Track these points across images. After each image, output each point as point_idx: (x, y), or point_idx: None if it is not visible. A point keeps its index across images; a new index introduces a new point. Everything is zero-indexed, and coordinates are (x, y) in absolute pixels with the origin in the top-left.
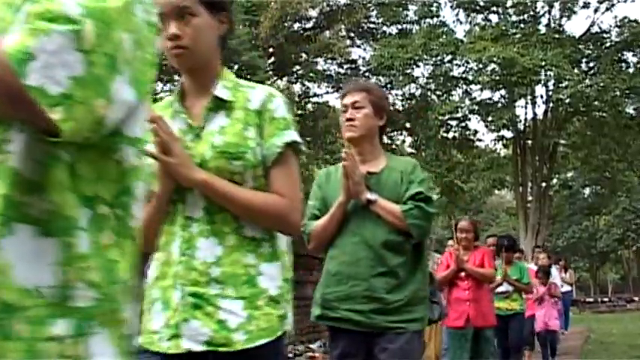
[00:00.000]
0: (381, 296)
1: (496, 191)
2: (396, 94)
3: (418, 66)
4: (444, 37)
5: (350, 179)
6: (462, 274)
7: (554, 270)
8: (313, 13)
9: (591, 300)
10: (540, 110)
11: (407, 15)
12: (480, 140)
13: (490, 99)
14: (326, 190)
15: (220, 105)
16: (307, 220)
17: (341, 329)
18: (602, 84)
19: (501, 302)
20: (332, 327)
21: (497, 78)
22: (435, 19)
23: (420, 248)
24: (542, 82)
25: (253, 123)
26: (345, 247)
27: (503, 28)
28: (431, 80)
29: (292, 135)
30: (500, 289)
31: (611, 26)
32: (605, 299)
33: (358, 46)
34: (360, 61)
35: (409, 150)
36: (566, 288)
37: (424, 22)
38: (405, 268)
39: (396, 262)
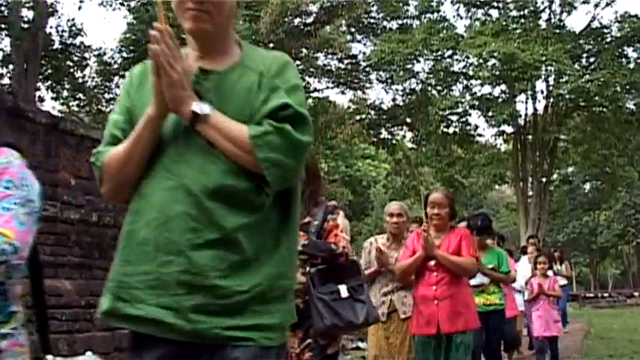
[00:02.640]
0: (211, 283)
1: (496, 186)
2: (397, 90)
3: (419, 61)
4: (445, 32)
5: (165, 76)
6: (432, 263)
7: (523, 261)
8: (313, 8)
9: (591, 295)
10: (541, 105)
11: (407, 10)
12: (480, 135)
13: (490, 94)
14: (138, 99)
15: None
16: (102, 147)
17: (145, 336)
18: (602, 79)
19: (477, 297)
20: (132, 331)
21: (498, 73)
22: (436, 14)
23: (286, 204)
24: (543, 77)
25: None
26: (152, 196)
27: (504, 23)
28: (431, 75)
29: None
30: (473, 281)
31: (611, 21)
32: (606, 294)
33: (359, 41)
34: (360, 56)
35: (409, 145)
36: (563, 282)
37: (424, 17)
38: (255, 235)
39: (237, 223)
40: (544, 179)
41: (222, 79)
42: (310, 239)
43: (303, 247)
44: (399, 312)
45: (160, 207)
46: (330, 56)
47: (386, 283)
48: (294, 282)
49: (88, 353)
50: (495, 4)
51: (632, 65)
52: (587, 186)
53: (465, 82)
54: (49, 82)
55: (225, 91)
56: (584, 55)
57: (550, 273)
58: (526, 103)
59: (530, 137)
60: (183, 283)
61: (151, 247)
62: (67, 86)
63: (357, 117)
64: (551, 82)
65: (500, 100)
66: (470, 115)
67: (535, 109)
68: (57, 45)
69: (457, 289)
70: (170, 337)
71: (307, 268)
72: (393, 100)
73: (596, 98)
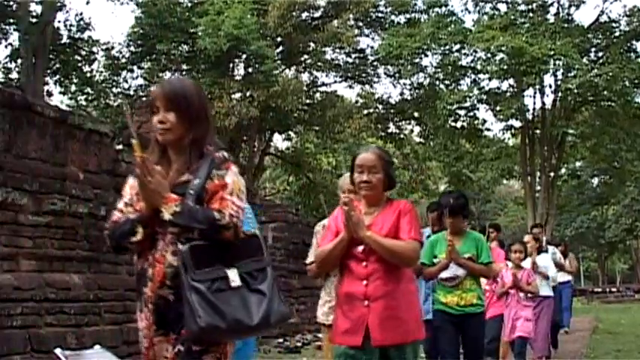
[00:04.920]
0: None
1: (504, 181)
2: (405, 84)
3: (426, 55)
4: (453, 26)
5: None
6: (360, 249)
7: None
8: (321, 2)
9: (599, 290)
10: (549, 100)
11: (415, 4)
12: (488, 130)
13: (498, 88)
14: None
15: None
16: None
17: None
18: (611, 73)
19: (449, 295)
20: None
21: (506, 67)
22: (444, 8)
23: None
24: (551, 71)
25: None
26: None
27: (512, 17)
28: (439, 69)
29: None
30: (444, 274)
31: (620, 15)
32: (614, 289)
33: (366, 36)
34: (368, 51)
35: (417, 139)
36: (566, 277)
37: (432, 12)
38: None
39: None
40: (552, 174)
41: None
42: (185, 205)
43: (174, 216)
44: None
45: None
46: (337, 50)
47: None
48: None
49: (97, 347)
50: None
51: None
52: (596, 180)
53: (472, 76)
54: (58, 77)
55: None
56: (593, 49)
57: (527, 264)
58: (534, 97)
59: (538, 132)
60: None
61: None
62: (75, 80)
63: (365, 111)
64: (560, 77)
65: (508, 94)
66: (478, 109)
67: (543, 104)
68: (65, 39)
69: (395, 286)
70: None
71: (179, 246)
72: (401, 94)
73: (605, 92)
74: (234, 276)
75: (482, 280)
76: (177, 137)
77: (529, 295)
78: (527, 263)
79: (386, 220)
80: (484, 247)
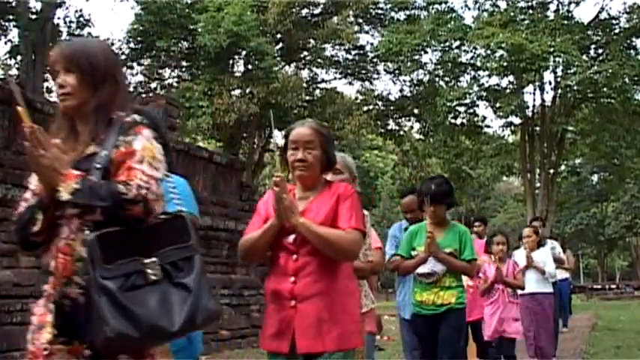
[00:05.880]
0: None
1: (504, 177)
2: (404, 81)
3: (426, 52)
4: (452, 23)
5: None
6: (291, 238)
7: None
8: None
9: (599, 287)
10: (549, 96)
11: (415, 1)
12: (488, 126)
13: (498, 85)
14: None
15: None
16: None
17: None
18: (610, 70)
19: (425, 292)
20: None
21: (506, 64)
22: (443, 5)
23: None
24: (551, 68)
25: None
26: None
27: (512, 14)
28: (439, 66)
29: None
30: (421, 268)
31: (620, 12)
32: (613, 286)
33: (366, 32)
34: (368, 47)
35: (417, 136)
36: (563, 275)
37: (432, 8)
38: None
39: None
40: (552, 171)
41: None
42: (85, 180)
43: (73, 195)
44: None
45: None
46: (337, 47)
47: None
48: None
49: None
50: None
51: None
52: (595, 177)
53: (472, 73)
54: None
55: None
56: (593, 46)
57: (522, 258)
58: (534, 94)
59: (538, 128)
60: None
61: None
62: None
63: (365, 108)
64: (559, 74)
65: (507, 91)
66: (477, 106)
67: (543, 101)
68: (65, 36)
69: (329, 284)
70: None
71: (86, 232)
72: (401, 91)
73: (605, 89)
74: (153, 268)
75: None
76: (79, 103)
77: (517, 290)
78: (522, 257)
79: (323, 205)
80: (468, 241)
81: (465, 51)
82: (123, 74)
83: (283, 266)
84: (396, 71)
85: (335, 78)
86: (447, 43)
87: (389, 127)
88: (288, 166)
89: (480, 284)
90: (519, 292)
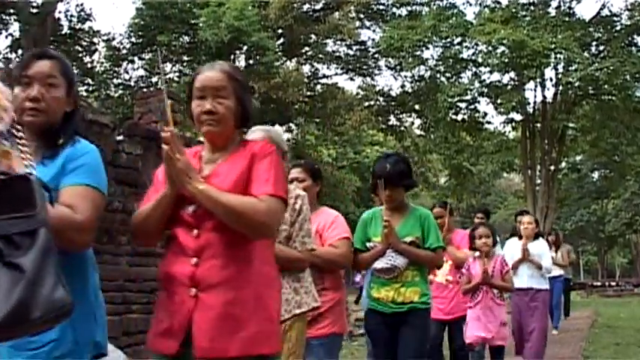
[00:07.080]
0: None
1: (505, 174)
2: (406, 76)
3: (427, 48)
4: (454, 19)
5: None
6: (190, 209)
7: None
8: None
9: (599, 284)
10: (550, 93)
11: None
12: (489, 123)
13: (499, 81)
14: None
15: None
16: None
17: None
18: (612, 67)
19: (383, 288)
20: None
21: (507, 60)
22: (445, 1)
23: None
24: (552, 65)
25: None
26: None
27: (513, 10)
28: (440, 62)
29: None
30: (379, 263)
31: (621, 9)
32: (613, 283)
33: (367, 28)
34: (369, 43)
35: (418, 132)
36: (558, 272)
37: (434, 4)
38: None
39: None
40: (552, 167)
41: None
42: None
43: None
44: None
45: None
46: (339, 42)
47: None
48: None
49: None
50: None
51: None
52: (596, 174)
53: (473, 69)
54: None
55: None
56: (594, 43)
57: (517, 250)
58: (535, 90)
59: (538, 125)
60: None
61: None
62: (75, 71)
63: (366, 103)
64: (561, 70)
65: (509, 87)
66: (479, 102)
67: (544, 97)
68: (66, 30)
69: (241, 269)
70: None
71: None
72: (402, 86)
73: (606, 86)
74: None
75: (444, 270)
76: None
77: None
78: (516, 248)
79: (234, 168)
80: (432, 226)
81: (466, 47)
82: None
83: (182, 245)
84: (397, 67)
85: (336, 73)
86: (449, 39)
87: (390, 123)
88: (194, 120)
89: (463, 281)
90: None
